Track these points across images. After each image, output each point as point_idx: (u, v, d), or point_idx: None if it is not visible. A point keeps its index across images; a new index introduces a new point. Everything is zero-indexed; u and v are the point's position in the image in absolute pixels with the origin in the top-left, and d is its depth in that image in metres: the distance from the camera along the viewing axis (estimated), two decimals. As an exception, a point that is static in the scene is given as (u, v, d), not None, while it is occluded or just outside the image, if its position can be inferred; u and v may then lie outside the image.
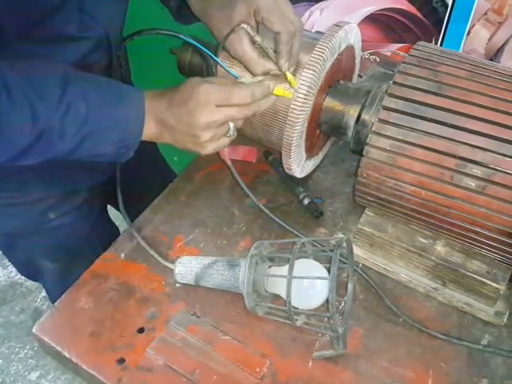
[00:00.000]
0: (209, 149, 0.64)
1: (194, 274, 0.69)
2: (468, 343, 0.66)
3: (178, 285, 0.71)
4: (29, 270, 1.02)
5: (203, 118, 0.60)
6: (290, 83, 0.66)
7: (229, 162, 0.72)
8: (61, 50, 0.64)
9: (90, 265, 0.73)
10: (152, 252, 0.73)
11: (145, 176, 0.96)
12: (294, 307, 0.62)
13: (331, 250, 0.63)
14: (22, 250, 0.93)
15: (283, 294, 0.64)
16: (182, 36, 0.68)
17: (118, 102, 0.61)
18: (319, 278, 0.64)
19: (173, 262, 0.71)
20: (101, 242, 0.83)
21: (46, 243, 0.90)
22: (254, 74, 0.67)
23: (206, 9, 0.69)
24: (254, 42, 0.66)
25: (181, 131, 0.63)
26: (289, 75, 0.66)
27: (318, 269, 0.66)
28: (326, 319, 0.67)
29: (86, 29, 0.66)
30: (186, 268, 0.69)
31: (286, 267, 0.62)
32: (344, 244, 0.65)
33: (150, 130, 0.63)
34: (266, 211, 0.76)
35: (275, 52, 0.66)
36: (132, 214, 0.79)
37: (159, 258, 0.72)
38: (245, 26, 0.65)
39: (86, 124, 0.58)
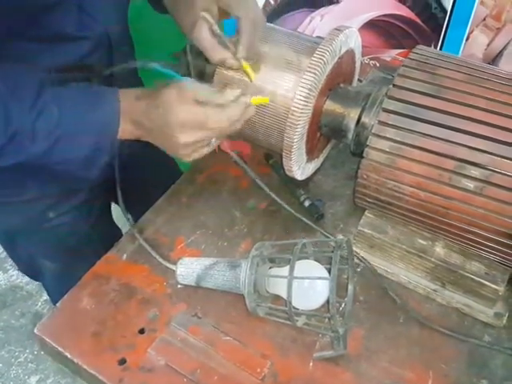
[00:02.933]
0: (188, 159, 0.65)
1: (195, 275, 0.69)
2: (473, 339, 0.66)
3: (179, 286, 0.72)
4: (30, 268, 1.02)
5: (181, 139, 0.61)
6: (245, 72, 0.66)
7: (233, 154, 0.71)
8: (60, 50, 0.64)
9: (91, 266, 0.73)
10: (154, 253, 0.74)
11: (151, 175, 0.95)
12: (295, 308, 0.63)
13: (332, 251, 0.63)
14: (22, 248, 0.93)
15: (284, 295, 0.64)
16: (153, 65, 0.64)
17: (92, 106, 0.61)
18: (320, 278, 0.65)
19: (174, 263, 0.72)
20: (102, 243, 0.83)
21: (46, 242, 0.90)
22: (211, 62, 0.66)
23: (172, 2, 0.69)
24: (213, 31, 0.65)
25: (159, 138, 0.63)
26: (244, 63, 0.65)
27: (319, 270, 0.66)
28: (326, 320, 0.67)
29: (85, 28, 0.65)
30: (188, 269, 0.70)
31: (287, 268, 0.63)
32: (344, 245, 0.66)
33: (126, 132, 0.63)
34: (264, 187, 0.74)
35: (237, 39, 0.65)
36: (137, 214, 0.79)
37: (161, 260, 0.73)
38: (205, 14, 0.64)
39: (58, 127, 0.59)
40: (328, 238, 0.76)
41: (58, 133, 0.59)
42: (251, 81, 0.66)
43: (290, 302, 0.61)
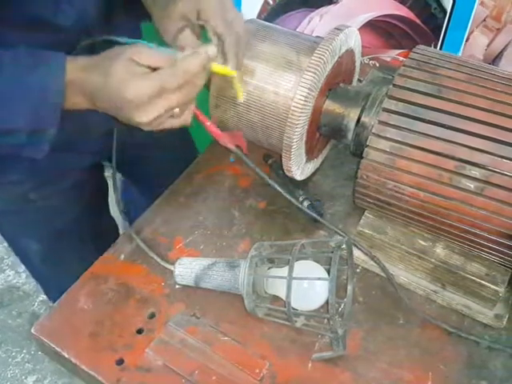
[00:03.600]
0: (159, 129, 0.59)
1: (193, 275, 0.69)
2: (475, 337, 0.66)
3: (177, 286, 0.71)
4: (15, 249, 0.98)
5: (142, 119, 0.55)
6: (236, 90, 0.65)
7: (232, 147, 0.68)
8: (37, 37, 0.60)
9: (77, 251, 0.71)
10: (151, 254, 0.73)
11: (168, 156, 0.89)
12: (294, 308, 0.63)
13: (331, 252, 0.63)
14: (6, 226, 0.90)
15: (283, 295, 0.64)
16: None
17: (32, 67, 0.55)
18: (319, 278, 0.64)
19: (172, 263, 0.71)
20: (92, 229, 0.80)
21: (32, 223, 0.87)
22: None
23: (152, 7, 0.67)
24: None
25: (120, 117, 0.58)
26: (236, 82, 0.64)
27: (318, 270, 0.66)
28: (325, 321, 0.67)
29: (63, 15, 0.63)
30: (186, 269, 0.69)
31: (286, 268, 0.62)
32: (344, 245, 0.66)
33: (79, 105, 0.58)
34: (268, 178, 0.70)
35: (223, 56, 0.62)
36: (154, 197, 0.75)
37: (159, 260, 0.72)
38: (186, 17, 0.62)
39: None
40: (333, 229, 0.75)
41: None
42: (239, 99, 0.66)
43: (289, 303, 0.61)
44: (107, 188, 0.97)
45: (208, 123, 0.65)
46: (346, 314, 0.67)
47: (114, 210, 0.89)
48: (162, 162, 0.79)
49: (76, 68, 0.56)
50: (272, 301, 0.68)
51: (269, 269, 0.68)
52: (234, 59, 0.63)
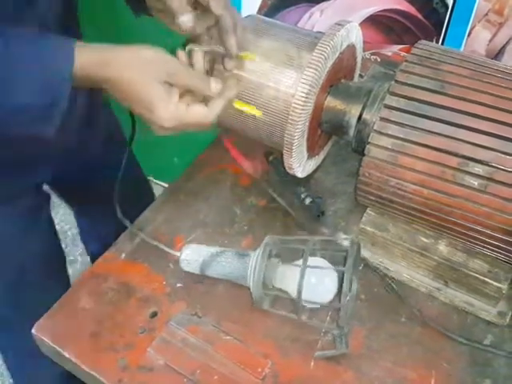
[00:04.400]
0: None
1: (200, 261, 0.68)
2: (474, 343, 0.65)
3: (178, 285, 0.71)
4: None
5: (160, 132, 0.61)
6: (247, 58, 0.66)
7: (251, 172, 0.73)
8: None
9: (41, 291, 0.68)
10: (155, 243, 0.73)
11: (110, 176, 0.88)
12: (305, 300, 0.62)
13: (339, 251, 0.63)
14: None
15: (291, 290, 0.64)
16: None
17: (39, 39, 0.56)
18: (335, 268, 0.64)
19: (173, 261, 0.71)
20: (53, 258, 0.80)
21: None
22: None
23: None
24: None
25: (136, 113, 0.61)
26: (243, 53, 0.65)
27: (327, 267, 0.66)
28: (328, 319, 0.66)
29: (24, 7, 0.61)
30: (193, 254, 0.69)
31: (296, 264, 0.63)
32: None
33: (86, 86, 0.58)
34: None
35: (221, 39, 0.64)
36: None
37: (163, 247, 0.72)
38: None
39: (3, 60, 0.52)
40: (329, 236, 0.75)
41: (4, 71, 0.52)
42: (254, 59, 0.66)
43: (300, 292, 0.60)
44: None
45: (233, 150, 0.73)
46: (349, 311, 0.66)
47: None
48: (106, 184, 0.82)
49: (90, 59, 0.56)
50: (276, 298, 0.68)
51: (278, 262, 0.68)
52: (232, 39, 0.63)
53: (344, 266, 0.61)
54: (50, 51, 0.55)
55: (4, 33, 0.53)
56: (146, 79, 0.58)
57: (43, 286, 0.75)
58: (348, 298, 0.66)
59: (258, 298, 0.65)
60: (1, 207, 0.78)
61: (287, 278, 0.66)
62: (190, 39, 0.67)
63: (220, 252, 0.68)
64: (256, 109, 0.66)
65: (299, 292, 0.60)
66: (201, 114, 0.60)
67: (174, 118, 0.59)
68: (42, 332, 0.66)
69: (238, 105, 0.65)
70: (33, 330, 0.67)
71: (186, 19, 0.61)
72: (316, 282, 0.64)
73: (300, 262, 0.62)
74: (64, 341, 0.66)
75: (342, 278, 0.61)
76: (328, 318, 0.67)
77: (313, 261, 0.66)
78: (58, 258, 0.88)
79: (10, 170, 0.75)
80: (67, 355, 0.64)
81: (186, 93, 0.61)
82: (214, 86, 0.61)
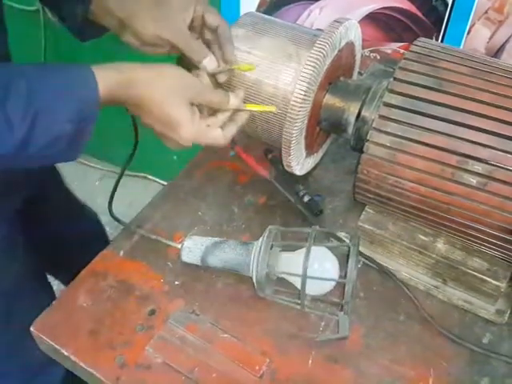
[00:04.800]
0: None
1: (203, 248, 0.68)
2: (471, 344, 0.65)
3: (176, 282, 0.71)
4: None
5: (173, 147, 0.64)
6: (246, 69, 0.68)
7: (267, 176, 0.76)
8: None
9: (31, 314, 0.67)
10: (154, 236, 0.73)
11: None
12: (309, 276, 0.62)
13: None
14: None
15: (294, 278, 0.64)
16: None
17: (60, 70, 0.56)
18: (340, 245, 0.66)
19: (171, 259, 0.71)
20: (40, 282, 0.80)
21: None
22: (194, 60, 0.66)
23: (126, 3, 0.66)
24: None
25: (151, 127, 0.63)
26: (243, 64, 0.68)
27: (329, 255, 0.66)
28: (327, 314, 0.66)
29: None
30: (196, 243, 0.69)
31: (298, 252, 0.64)
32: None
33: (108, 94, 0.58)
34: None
35: (220, 44, 0.67)
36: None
37: (164, 240, 0.73)
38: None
39: (31, 101, 0.52)
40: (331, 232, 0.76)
41: (33, 108, 0.52)
42: (253, 69, 0.68)
43: (305, 275, 0.61)
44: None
45: (248, 159, 0.76)
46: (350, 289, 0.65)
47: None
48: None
49: (112, 82, 0.57)
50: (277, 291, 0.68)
51: (280, 251, 0.68)
52: (231, 47, 0.67)
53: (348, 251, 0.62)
54: (72, 79, 0.56)
55: (25, 73, 0.54)
56: (174, 100, 0.60)
57: (32, 305, 0.73)
58: (354, 274, 0.66)
59: (261, 282, 0.65)
60: None
61: (290, 264, 0.66)
62: (181, 57, 0.68)
63: (223, 240, 0.69)
64: (266, 105, 0.67)
65: (304, 275, 0.61)
66: (218, 137, 0.63)
67: (194, 138, 0.62)
68: (40, 330, 0.66)
69: (250, 107, 0.66)
70: (31, 328, 0.66)
71: (208, 62, 0.66)
72: (318, 269, 0.64)
73: (303, 250, 0.63)
74: (62, 338, 0.66)
75: (347, 260, 0.63)
76: (327, 314, 0.67)
77: (316, 250, 0.66)
78: (39, 276, 0.89)
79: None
80: (66, 353, 0.64)
81: (200, 106, 0.63)
82: (233, 101, 0.64)
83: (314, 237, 0.63)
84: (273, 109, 0.67)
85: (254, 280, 0.65)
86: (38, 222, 0.89)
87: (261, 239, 0.66)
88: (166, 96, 0.59)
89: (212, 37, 0.68)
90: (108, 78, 0.57)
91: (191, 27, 0.67)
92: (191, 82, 0.62)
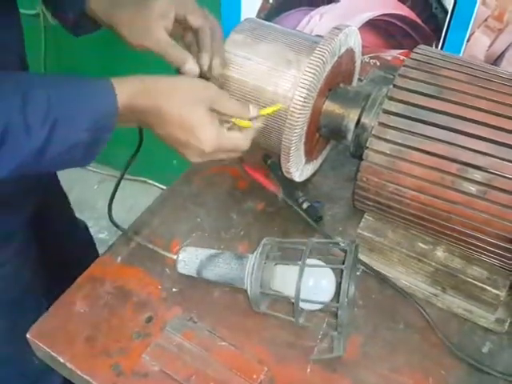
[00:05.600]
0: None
1: (198, 262, 0.68)
2: (469, 359, 0.64)
3: (174, 289, 0.70)
4: None
5: (193, 159, 0.63)
6: (214, 79, 0.68)
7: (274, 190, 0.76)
8: None
9: (35, 318, 0.67)
10: (151, 246, 0.73)
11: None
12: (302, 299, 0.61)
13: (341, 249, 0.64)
14: None
15: (289, 292, 0.64)
16: None
17: (79, 81, 0.57)
18: (333, 267, 0.64)
19: (169, 265, 0.70)
20: (43, 291, 0.80)
21: None
22: (173, 63, 0.66)
23: (113, 10, 0.68)
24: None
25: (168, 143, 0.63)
26: (215, 68, 0.67)
27: (325, 269, 0.66)
28: (325, 324, 0.66)
29: None
30: (191, 256, 0.69)
31: (293, 266, 0.63)
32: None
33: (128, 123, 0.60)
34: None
35: (198, 48, 0.67)
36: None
37: (160, 250, 0.72)
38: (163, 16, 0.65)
39: (50, 110, 0.53)
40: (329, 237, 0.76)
41: (52, 116, 0.53)
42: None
43: (299, 290, 0.60)
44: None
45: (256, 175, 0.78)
46: (346, 318, 0.65)
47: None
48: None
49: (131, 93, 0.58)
50: (272, 302, 0.67)
51: (275, 265, 0.67)
52: (209, 50, 0.67)
53: (343, 264, 0.61)
54: (90, 89, 0.57)
55: (44, 82, 0.55)
56: (194, 105, 0.60)
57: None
58: (346, 299, 0.65)
59: (255, 300, 0.64)
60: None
61: (285, 279, 0.65)
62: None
63: (218, 253, 0.69)
64: (275, 105, 0.67)
65: (298, 290, 0.60)
66: (239, 140, 0.63)
67: (217, 142, 0.61)
68: (36, 336, 0.66)
69: (263, 113, 0.66)
70: (28, 335, 0.66)
71: (190, 67, 0.65)
72: (314, 283, 0.64)
73: (298, 263, 0.62)
74: (59, 345, 0.65)
75: (340, 280, 0.61)
76: (325, 324, 0.67)
77: (311, 262, 0.66)
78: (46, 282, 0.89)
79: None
80: (62, 360, 0.64)
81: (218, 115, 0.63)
82: (252, 110, 0.64)
83: (308, 252, 0.62)
84: (279, 106, 0.67)
85: (249, 297, 0.65)
86: (44, 228, 0.90)
87: (255, 254, 0.65)
88: (186, 102, 0.60)
89: (196, 38, 0.68)
90: (128, 88, 0.58)
91: (174, 32, 0.67)
92: (209, 88, 0.63)
